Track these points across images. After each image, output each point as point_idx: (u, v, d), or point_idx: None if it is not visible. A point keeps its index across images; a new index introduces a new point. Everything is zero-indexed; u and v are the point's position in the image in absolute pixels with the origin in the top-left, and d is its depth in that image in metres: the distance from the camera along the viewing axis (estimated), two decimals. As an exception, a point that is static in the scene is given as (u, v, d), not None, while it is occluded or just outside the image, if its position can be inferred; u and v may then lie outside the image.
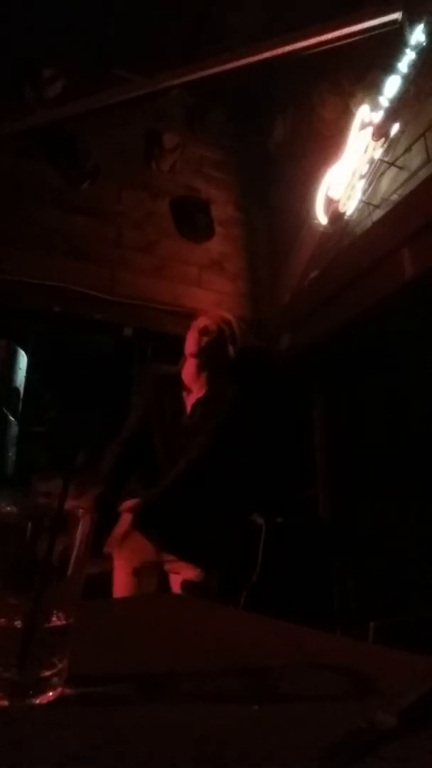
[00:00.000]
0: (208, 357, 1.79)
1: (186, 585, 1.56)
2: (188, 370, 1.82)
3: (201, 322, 1.84)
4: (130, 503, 1.60)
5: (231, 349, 1.84)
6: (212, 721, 0.37)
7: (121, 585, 1.63)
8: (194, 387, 1.81)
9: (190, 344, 1.80)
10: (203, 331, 1.80)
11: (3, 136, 3.08)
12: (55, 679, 0.42)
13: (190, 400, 1.81)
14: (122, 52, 3.61)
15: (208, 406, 1.76)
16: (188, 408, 1.79)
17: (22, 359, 2.31)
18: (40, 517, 0.43)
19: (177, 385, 1.83)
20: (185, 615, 0.87)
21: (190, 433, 1.71)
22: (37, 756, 0.32)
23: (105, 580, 1.71)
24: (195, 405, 1.78)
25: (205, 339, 1.78)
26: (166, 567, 1.64)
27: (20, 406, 2.29)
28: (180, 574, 1.61)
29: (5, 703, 0.39)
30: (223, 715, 0.39)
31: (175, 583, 1.61)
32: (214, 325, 1.82)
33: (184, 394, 1.81)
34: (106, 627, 0.68)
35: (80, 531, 0.45)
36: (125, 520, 1.59)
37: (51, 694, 0.41)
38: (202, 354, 1.78)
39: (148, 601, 1.22)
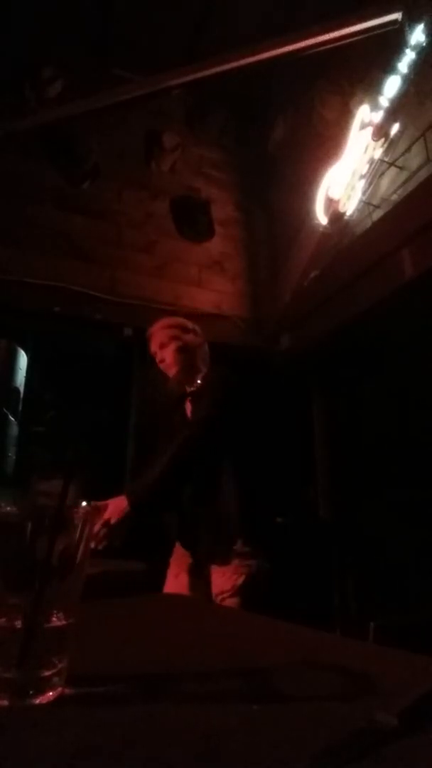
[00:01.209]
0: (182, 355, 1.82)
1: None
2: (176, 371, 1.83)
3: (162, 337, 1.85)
4: (120, 504, 1.42)
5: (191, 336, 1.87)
6: (212, 721, 0.37)
7: (169, 586, 1.67)
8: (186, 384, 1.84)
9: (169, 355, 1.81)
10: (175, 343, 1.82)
11: (3, 136, 3.08)
12: (55, 679, 0.42)
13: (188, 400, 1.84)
14: (122, 52, 3.61)
15: (200, 399, 1.77)
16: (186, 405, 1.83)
17: (22, 359, 2.31)
18: (40, 517, 0.43)
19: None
20: (185, 615, 0.87)
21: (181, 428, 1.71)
22: (37, 756, 0.32)
23: (105, 580, 1.71)
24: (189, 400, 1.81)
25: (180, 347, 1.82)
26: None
27: (20, 406, 2.29)
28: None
29: (5, 703, 0.39)
30: (223, 715, 0.39)
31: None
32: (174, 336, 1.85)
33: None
34: (106, 627, 0.68)
35: (80, 531, 0.45)
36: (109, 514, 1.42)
37: (51, 694, 0.41)
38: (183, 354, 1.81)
39: (148, 601, 1.22)
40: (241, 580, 1.53)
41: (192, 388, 1.83)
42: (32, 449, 2.88)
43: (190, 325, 1.91)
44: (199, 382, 1.82)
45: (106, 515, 1.39)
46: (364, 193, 2.96)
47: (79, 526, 0.45)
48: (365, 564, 3.05)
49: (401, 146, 2.73)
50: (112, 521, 1.38)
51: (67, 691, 0.42)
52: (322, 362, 3.52)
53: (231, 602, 1.52)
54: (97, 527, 1.35)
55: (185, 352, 1.83)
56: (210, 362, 1.89)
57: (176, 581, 1.68)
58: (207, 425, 1.62)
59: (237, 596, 1.53)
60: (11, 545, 0.43)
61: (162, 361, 1.84)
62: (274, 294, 3.88)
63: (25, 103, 3.38)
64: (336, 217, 3.16)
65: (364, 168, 2.94)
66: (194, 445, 1.56)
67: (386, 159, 2.81)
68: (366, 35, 2.87)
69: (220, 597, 1.55)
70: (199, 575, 1.65)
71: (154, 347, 1.87)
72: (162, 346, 1.84)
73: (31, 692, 0.40)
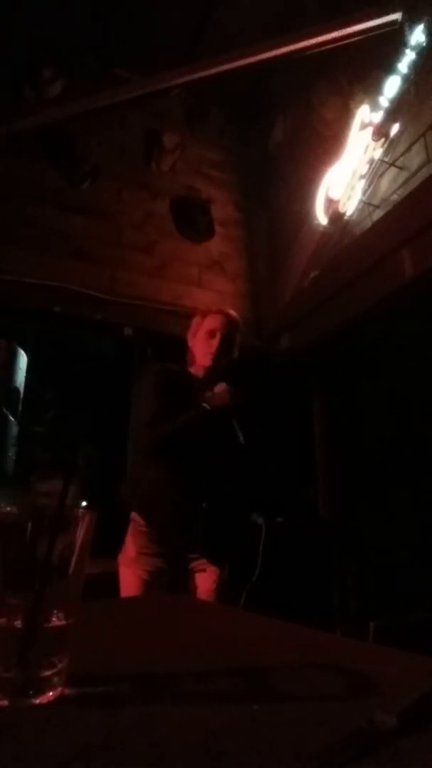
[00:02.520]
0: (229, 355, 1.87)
1: (216, 585, 1.56)
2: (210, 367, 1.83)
3: (225, 319, 1.88)
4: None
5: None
6: (212, 721, 0.37)
7: (131, 591, 1.62)
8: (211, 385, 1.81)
9: (222, 346, 1.83)
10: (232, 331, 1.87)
11: (3, 136, 3.08)
12: (55, 679, 0.42)
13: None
14: (122, 52, 3.61)
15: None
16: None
17: (22, 359, 2.31)
18: (40, 517, 0.43)
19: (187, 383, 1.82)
20: (185, 615, 0.87)
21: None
22: (37, 756, 0.32)
23: (105, 580, 1.71)
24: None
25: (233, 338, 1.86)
26: (192, 566, 1.64)
27: (20, 406, 2.29)
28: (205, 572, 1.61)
29: (5, 703, 0.39)
30: (223, 715, 0.39)
31: (200, 583, 1.61)
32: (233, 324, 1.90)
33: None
34: (106, 627, 0.68)
35: (80, 531, 0.45)
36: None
37: (51, 694, 0.41)
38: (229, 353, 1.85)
39: (149, 601, 1.22)
40: (215, 585, 1.58)
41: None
42: (32, 449, 2.88)
43: (239, 321, 1.93)
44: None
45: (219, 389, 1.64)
46: (364, 193, 2.96)
47: (79, 526, 0.45)
48: (365, 564, 3.05)
49: (401, 146, 2.73)
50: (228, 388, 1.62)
51: (67, 691, 0.42)
52: (322, 362, 3.52)
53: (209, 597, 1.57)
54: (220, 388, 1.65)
55: (225, 357, 1.84)
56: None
57: (142, 582, 1.63)
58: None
59: (214, 593, 1.57)
60: (11, 545, 0.43)
61: (209, 345, 1.81)
62: (274, 294, 3.88)
63: (25, 103, 3.38)
64: (336, 217, 3.16)
65: (364, 168, 2.94)
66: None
67: (386, 159, 2.81)
68: (366, 35, 2.87)
69: (204, 595, 1.57)
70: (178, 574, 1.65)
71: (214, 325, 1.84)
72: (222, 336, 1.82)
73: (31, 692, 0.40)
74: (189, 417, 1.63)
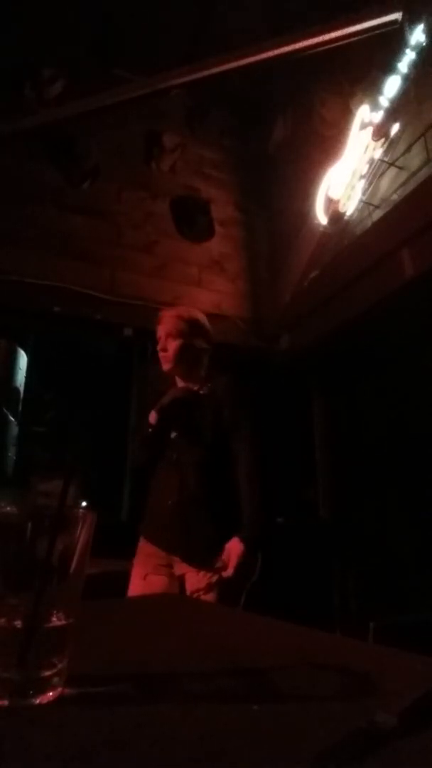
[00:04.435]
0: (186, 353, 1.81)
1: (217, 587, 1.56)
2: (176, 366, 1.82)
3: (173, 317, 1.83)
4: (237, 548, 1.56)
5: (202, 342, 1.85)
6: (212, 721, 0.37)
7: (136, 588, 1.65)
8: (183, 383, 1.84)
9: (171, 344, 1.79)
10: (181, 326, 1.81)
11: (3, 136, 3.08)
12: (55, 679, 0.42)
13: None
14: (122, 52, 3.61)
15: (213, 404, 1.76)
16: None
17: (22, 359, 2.31)
18: (40, 517, 0.43)
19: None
20: (185, 615, 0.87)
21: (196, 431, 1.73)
22: (38, 756, 0.32)
23: (105, 580, 1.71)
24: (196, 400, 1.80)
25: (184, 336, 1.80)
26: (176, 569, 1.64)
27: (20, 406, 2.29)
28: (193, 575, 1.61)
29: (5, 703, 0.39)
30: (223, 715, 0.39)
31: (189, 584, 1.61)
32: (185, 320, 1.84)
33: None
34: (106, 627, 0.68)
35: (80, 531, 0.45)
36: (234, 559, 1.56)
37: (51, 694, 0.41)
38: (187, 350, 1.80)
39: (149, 601, 1.22)
40: (215, 578, 1.56)
41: (199, 390, 1.81)
42: (32, 449, 2.88)
43: (205, 327, 1.86)
44: (198, 388, 1.81)
45: (233, 562, 1.55)
46: (364, 193, 2.96)
47: (79, 526, 0.45)
48: (365, 564, 3.05)
49: (401, 146, 2.73)
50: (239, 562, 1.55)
51: (67, 691, 0.42)
52: (322, 362, 3.52)
53: (207, 598, 1.54)
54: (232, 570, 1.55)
55: (188, 353, 1.80)
56: (210, 368, 1.88)
57: (144, 583, 1.65)
58: (258, 459, 1.70)
59: (212, 591, 1.55)
60: (11, 545, 0.43)
61: (164, 350, 1.80)
62: (274, 294, 3.88)
63: (25, 103, 3.38)
64: (336, 217, 3.16)
65: (364, 168, 2.94)
66: (262, 480, 1.67)
67: (386, 159, 2.81)
68: (366, 35, 2.87)
69: (195, 595, 1.55)
70: (171, 575, 1.64)
71: (160, 332, 1.81)
72: (168, 335, 1.79)
73: (31, 692, 0.40)
74: (140, 439, 1.74)
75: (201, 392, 1.79)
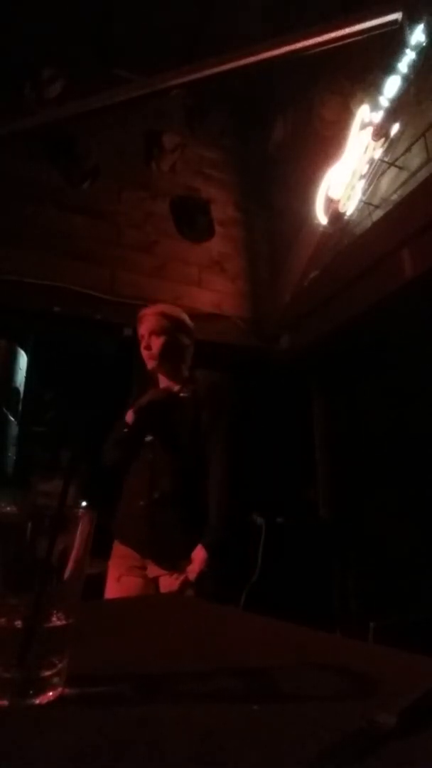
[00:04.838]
0: (170, 351, 1.81)
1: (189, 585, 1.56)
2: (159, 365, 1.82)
3: (154, 315, 1.83)
4: (201, 555, 1.55)
5: (185, 339, 1.85)
6: (212, 721, 0.37)
7: (111, 590, 1.65)
8: (167, 383, 1.84)
9: (155, 341, 1.79)
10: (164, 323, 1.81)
11: (3, 136, 3.08)
12: (55, 679, 0.42)
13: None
14: (122, 52, 3.61)
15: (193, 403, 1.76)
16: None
17: (22, 359, 2.31)
18: (40, 517, 0.43)
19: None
20: (185, 615, 0.87)
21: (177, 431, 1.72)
22: (37, 756, 0.32)
23: (105, 581, 1.72)
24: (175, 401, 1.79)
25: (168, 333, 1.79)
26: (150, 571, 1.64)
27: (20, 406, 2.29)
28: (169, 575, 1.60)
29: (5, 703, 0.39)
30: (223, 715, 0.39)
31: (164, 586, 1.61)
32: (168, 317, 1.84)
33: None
34: (106, 627, 0.68)
35: (80, 531, 0.45)
36: (196, 567, 1.55)
37: (51, 694, 0.41)
38: (171, 348, 1.80)
39: (148, 601, 1.22)
40: (190, 577, 1.56)
41: (180, 392, 1.81)
42: (32, 449, 2.88)
43: (187, 323, 1.86)
44: (180, 389, 1.80)
45: (196, 569, 1.54)
46: (364, 193, 2.96)
47: (79, 526, 0.45)
48: (365, 564, 3.05)
49: (401, 146, 2.73)
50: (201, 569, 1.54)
51: (67, 691, 0.42)
52: (322, 362, 3.52)
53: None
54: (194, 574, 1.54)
55: (173, 350, 1.80)
56: (192, 366, 1.89)
57: (119, 585, 1.64)
58: (231, 464, 1.67)
59: (186, 593, 1.55)
60: (11, 545, 0.43)
61: (148, 348, 1.79)
62: (274, 294, 3.88)
63: (25, 103, 3.38)
64: (336, 217, 3.16)
65: (364, 168, 2.94)
66: (232, 485, 1.65)
67: (386, 159, 2.81)
68: (366, 35, 2.87)
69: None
70: (145, 577, 1.63)
71: (143, 330, 1.81)
72: (152, 333, 1.78)
73: (31, 692, 0.40)
74: (114, 437, 1.78)
75: (182, 394, 1.79)
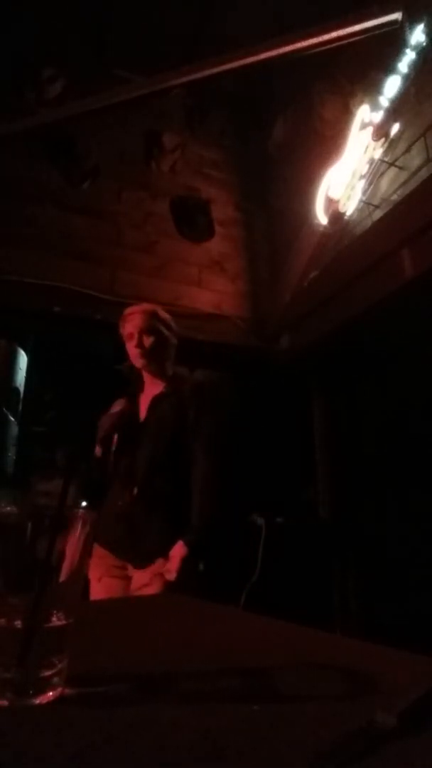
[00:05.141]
0: (160, 348, 1.82)
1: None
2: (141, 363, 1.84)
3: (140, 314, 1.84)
4: (180, 551, 1.54)
5: (173, 338, 1.87)
6: (212, 721, 0.37)
7: (93, 591, 1.64)
8: (149, 381, 1.86)
9: (140, 338, 1.80)
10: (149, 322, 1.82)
11: (3, 136, 3.08)
12: (55, 679, 0.42)
13: (146, 396, 1.85)
14: (122, 52, 3.61)
15: (173, 402, 1.77)
16: (143, 404, 1.84)
17: (22, 359, 2.31)
18: (40, 517, 0.43)
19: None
20: (185, 615, 0.87)
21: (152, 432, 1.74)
22: (37, 756, 0.32)
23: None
24: (156, 401, 1.80)
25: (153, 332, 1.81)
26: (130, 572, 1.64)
27: (20, 406, 2.29)
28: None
29: (5, 703, 0.39)
30: (223, 715, 0.39)
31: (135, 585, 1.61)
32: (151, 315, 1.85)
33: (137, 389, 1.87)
34: (106, 627, 0.68)
35: (80, 531, 0.45)
36: (174, 564, 1.54)
37: (51, 694, 0.41)
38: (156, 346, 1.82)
39: (148, 601, 1.22)
40: (167, 575, 1.55)
41: (161, 390, 1.82)
42: (32, 449, 2.88)
43: (171, 322, 1.89)
44: (164, 386, 1.82)
45: (175, 565, 1.52)
46: (364, 193, 2.96)
47: (79, 526, 0.45)
48: (365, 564, 3.05)
49: (401, 146, 2.73)
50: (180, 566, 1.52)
51: (67, 691, 0.42)
52: (322, 362, 3.52)
53: (149, 591, 1.53)
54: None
55: (162, 348, 1.83)
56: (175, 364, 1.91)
57: (100, 585, 1.63)
58: (215, 463, 1.67)
59: (155, 584, 1.54)
60: (11, 545, 0.43)
61: (139, 346, 1.79)
62: (274, 294, 3.88)
63: (25, 103, 3.38)
64: (336, 217, 3.16)
65: (364, 168, 2.94)
66: (216, 486, 1.64)
67: (386, 159, 2.81)
68: (366, 35, 2.87)
69: (139, 590, 1.55)
70: (125, 577, 1.63)
71: (131, 329, 1.81)
72: (142, 331, 1.80)
73: (31, 692, 0.40)
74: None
75: (164, 391, 1.81)
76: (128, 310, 1.87)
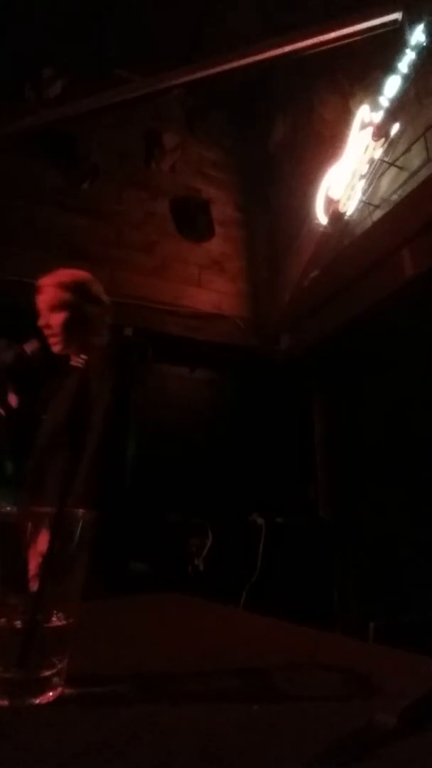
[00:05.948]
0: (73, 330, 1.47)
1: None
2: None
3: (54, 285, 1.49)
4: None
5: (92, 307, 1.54)
6: (212, 721, 0.37)
7: None
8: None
9: (53, 316, 1.46)
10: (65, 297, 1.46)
11: (3, 136, 3.08)
12: (55, 679, 0.42)
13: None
14: (122, 52, 3.61)
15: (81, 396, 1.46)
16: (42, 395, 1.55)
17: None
18: (40, 517, 0.43)
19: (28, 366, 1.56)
20: (185, 615, 0.87)
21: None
22: (37, 756, 0.32)
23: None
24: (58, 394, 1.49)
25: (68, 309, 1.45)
26: None
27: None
28: None
29: (5, 703, 0.39)
30: (223, 715, 0.39)
31: None
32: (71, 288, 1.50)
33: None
34: (106, 627, 0.68)
35: (80, 531, 0.45)
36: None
37: (51, 694, 0.41)
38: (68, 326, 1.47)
39: (148, 601, 1.22)
40: None
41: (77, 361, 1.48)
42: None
43: (91, 288, 1.55)
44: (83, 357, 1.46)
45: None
46: (364, 193, 2.96)
47: (79, 526, 0.45)
48: (365, 564, 3.05)
49: (401, 146, 2.73)
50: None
51: (67, 691, 0.42)
52: (322, 362, 3.52)
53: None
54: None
55: (80, 326, 1.47)
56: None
57: None
58: (105, 424, 1.43)
59: None
60: (11, 545, 0.43)
61: (47, 327, 1.48)
62: (274, 294, 3.88)
63: (25, 103, 3.38)
64: (336, 217, 3.16)
65: (364, 168, 2.94)
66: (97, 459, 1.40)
67: (386, 159, 2.81)
68: (366, 35, 2.87)
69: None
70: None
71: (41, 304, 1.49)
72: (52, 308, 1.47)
73: (31, 692, 0.40)
74: None
75: (73, 363, 1.47)
76: (39, 282, 1.53)
